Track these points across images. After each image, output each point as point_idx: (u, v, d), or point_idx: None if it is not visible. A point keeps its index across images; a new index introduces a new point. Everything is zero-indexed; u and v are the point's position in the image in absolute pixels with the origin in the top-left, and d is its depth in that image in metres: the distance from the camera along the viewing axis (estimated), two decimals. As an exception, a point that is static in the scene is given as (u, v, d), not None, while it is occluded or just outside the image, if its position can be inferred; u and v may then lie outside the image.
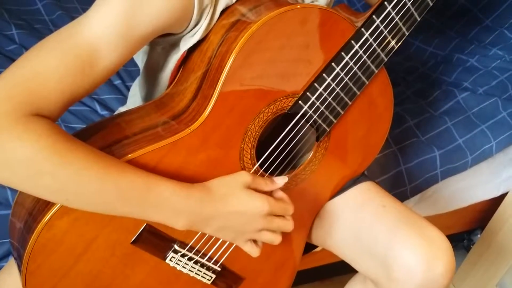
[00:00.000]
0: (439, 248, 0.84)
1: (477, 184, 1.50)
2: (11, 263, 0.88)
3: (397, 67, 1.63)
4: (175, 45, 0.80)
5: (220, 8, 0.76)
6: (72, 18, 1.46)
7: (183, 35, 0.77)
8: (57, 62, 0.65)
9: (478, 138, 1.39)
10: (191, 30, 0.76)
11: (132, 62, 1.31)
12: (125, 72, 1.35)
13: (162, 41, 0.78)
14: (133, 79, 1.33)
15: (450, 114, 1.43)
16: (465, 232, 1.83)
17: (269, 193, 0.79)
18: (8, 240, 0.82)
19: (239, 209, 0.74)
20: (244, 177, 0.76)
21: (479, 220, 1.71)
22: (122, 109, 1.13)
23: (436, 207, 1.46)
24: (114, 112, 1.24)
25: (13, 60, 1.29)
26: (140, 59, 0.91)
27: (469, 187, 1.50)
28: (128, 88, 1.32)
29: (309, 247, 1.03)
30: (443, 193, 1.44)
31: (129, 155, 0.70)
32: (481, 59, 1.56)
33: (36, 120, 0.63)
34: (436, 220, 1.47)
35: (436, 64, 1.61)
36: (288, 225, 0.79)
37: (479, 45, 1.60)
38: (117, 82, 1.33)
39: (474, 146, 1.39)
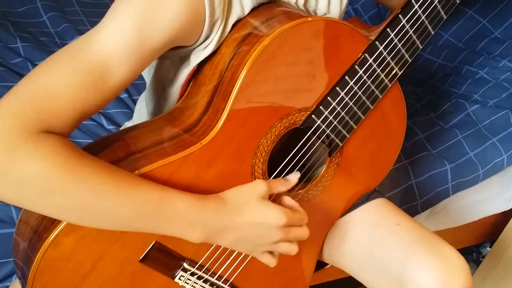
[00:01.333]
0: (456, 268, 0.82)
1: (488, 198, 1.49)
2: (16, 283, 0.86)
3: (405, 79, 1.62)
4: (184, 58, 0.78)
5: (232, 21, 0.75)
6: (78, 30, 1.48)
7: (194, 48, 0.75)
8: (68, 78, 0.63)
9: (489, 152, 1.38)
10: (202, 43, 0.74)
11: (139, 76, 1.30)
12: (131, 85, 1.34)
13: (171, 54, 0.77)
14: (139, 93, 1.31)
15: (461, 127, 1.41)
16: (474, 245, 1.81)
17: (282, 203, 0.78)
18: (13, 259, 0.80)
19: (255, 221, 0.73)
20: (259, 186, 0.74)
21: (489, 233, 1.70)
22: (128, 123, 1.11)
23: (447, 221, 1.44)
24: (120, 126, 1.23)
25: (18, 73, 1.28)
26: (146, 73, 0.90)
27: (480, 201, 1.48)
28: (134, 102, 1.31)
29: (320, 264, 1.01)
30: (453, 207, 1.42)
31: (139, 171, 0.69)
32: (491, 71, 1.55)
33: (47, 137, 0.62)
34: (446, 235, 1.46)
35: (445, 76, 1.60)
36: (304, 233, 0.77)
37: (488, 57, 1.59)
38: (124, 96, 1.31)
39: (485, 160, 1.37)
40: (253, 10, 0.77)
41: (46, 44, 1.41)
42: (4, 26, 1.42)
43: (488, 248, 1.77)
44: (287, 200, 0.79)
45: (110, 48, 0.65)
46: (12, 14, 1.50)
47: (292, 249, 0.78)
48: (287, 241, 0.77)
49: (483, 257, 1.76)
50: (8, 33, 1.39)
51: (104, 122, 1.24)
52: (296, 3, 0.81)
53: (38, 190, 0.61)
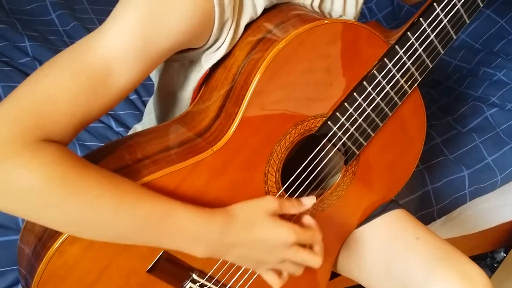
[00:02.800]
0: (479, 287, 0.80)
1: (505, 204, 1.45)
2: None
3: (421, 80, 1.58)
4: (195, 62, 0.76)
5: (244, 21, 0.72)
6: (87, 29, 1.46)
7: (204, 51, 0.72)
8: (69, 82, 0.60)
9: (508, 157, 1.35)
10: (212, 45, 0.71)
11: (148, 76, 1.28)
12: (141, 86, 1.32)
13: (180, 57, 0.74)
14: (150, 94, 1.29)
15: (478, 131, 1.38)
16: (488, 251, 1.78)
17: (297, 218, 0.74)
18: (17, 267, 0.79)
19: (262, 238, 0.70)
20: (269, 203, 0.71)
21: (505, 240, 1.66)
22: (137, 126, 1.09)
23: (462, 228, 1.41)
24: (129, 128, 1.21)
25: (25, 73, 1.26)
26: (153, 76, 0.87)
27: (496, 207, 1.45)
28: (144, 104, 1.28)
29: (331, 274, 0.98)
30: (469, 213, 1.39)
31: (147, 177, 0.67)
32: (509, 73, 1.51)
33: (45, 146, 0.59)
34: (461, 241, 1.43)
35: (461, 78, 1.56)
36: (315, 260, 0.73)
37: (506, 58, 1.55)
38: (133, 97, 1.29)
39: (504, 165, 1.34)
40: (266, 11, 0.74)
41: (55, 43, 1.39)
42: (12, 25, 1.39)
43: (502, 253, 1.74)
44: (304, 218, 0.76)
45: (113, 51, 0.62)
46: (20, 12, 1.47)
47: (297, 270, 0.75)
48: (294, 262, 0.74)
49: (498, 262, 1.73)
50: (16, 32, 1.37)
51: (113, 124, 1.22)
52: (311, 4, 0.78)
53: (34, 202, 0.58)
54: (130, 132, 1.12)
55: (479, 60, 1.58)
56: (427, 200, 1.28)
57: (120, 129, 1.20)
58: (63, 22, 1.48)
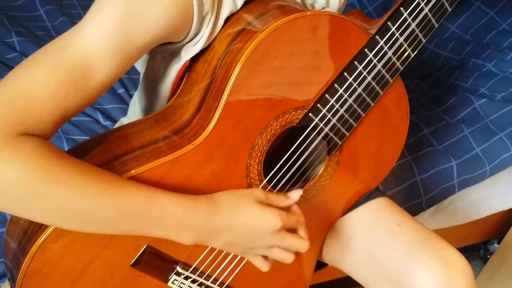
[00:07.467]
0: (458, 271, 0.80)
1: (495, 194, 1.46)
2: (7, 285, 0.84)
3: (410, 72, 1.58)
4: (175, 54, 0.76)
5: (223, 15, 0.72)
6: (75, 24, 1.44)
7: (184, 44, 0.73)
8: (48, 77, 0.61)
9: (496, 147, 1.34)
10: (192, 39, 0.72)
11: (136, 70, 1.27)
12: (129, 80, 1.32)
13: (161, 50, 0.74)
14: (137, 88, 1.29)
15: (467, 121, 1.38)
16: (481, 242, 1.78)
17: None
18: (3, 260, 0.79)
19: (249, 223, 0.70)
20: (257, 192, 0.72)
21: (497, 230, 1.67)
22: (123, 120, 1.09)
23: (452, 219, 1.41)
24: (117, 122, 1.20)
25: (13, 68, 1.25)
26: (139, 68, 0.87)
27: (487, 198, 1.45)
28: (131, 97, 1.28)
29: (319, 264, 0.98)
30: (459, 204, 1.39)
31: (129, 173, 0.67)
32: (499, 64, 1.50)
33: (26, 139, 0.59)
34: (452, 232, 1.44)
35: (451, 69, 1.56)
36: (302, 243, 0.74)
37: (496, 49, 1.55)
38: (121, 91, 1.29)
39: (492, 155, 1.34)
40: (246, 3, 0.74)
41: (43, 39, 1.39)
42: (0, 21, 1.39)
43: (496, 245, 1.74)
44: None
45: (92, 46, 0.62)
46: (8, 8, 1.48)
47: (287, 257, 0.74)
48: (282, 248, 0.74)
49: (491, 254, 1.73)
50: (3, 27, 1.37)
51: (101, 118, 1.22)
52: (293, -5, 0.78)
53: (18, 194, 0.59)
54: (116, 126, 1.12)
55: (469, 51, 1.58)
56: (415, 191, 1.28)
57: (107, 123, 1.21)
58: (51, 18, 1.47)
